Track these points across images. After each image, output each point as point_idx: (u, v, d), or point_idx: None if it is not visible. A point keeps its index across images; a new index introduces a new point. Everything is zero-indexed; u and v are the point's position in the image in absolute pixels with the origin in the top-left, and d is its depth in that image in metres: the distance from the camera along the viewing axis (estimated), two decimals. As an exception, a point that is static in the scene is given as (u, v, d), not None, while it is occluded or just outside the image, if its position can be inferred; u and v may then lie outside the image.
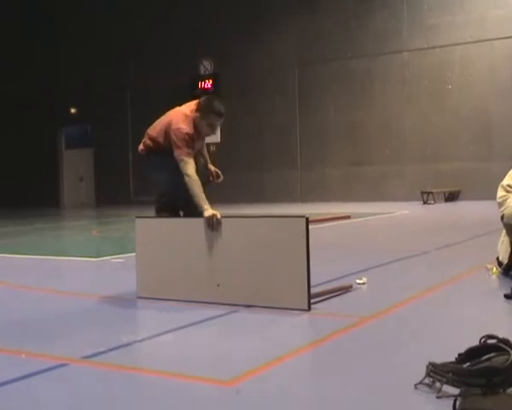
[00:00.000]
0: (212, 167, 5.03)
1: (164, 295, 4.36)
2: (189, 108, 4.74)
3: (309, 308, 3.86)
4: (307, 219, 3.91)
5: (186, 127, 4.58)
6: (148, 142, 4.81)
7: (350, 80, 18.85)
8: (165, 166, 4.62)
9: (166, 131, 4.65)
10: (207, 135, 4.84)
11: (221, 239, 4.21)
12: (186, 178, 4.44)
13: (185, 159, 4.48)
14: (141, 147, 4.88)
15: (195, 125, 4.66)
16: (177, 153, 4.51)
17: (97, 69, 22.80)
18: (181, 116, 4.66)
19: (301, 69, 19.65)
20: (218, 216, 4.22)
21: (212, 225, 4.21)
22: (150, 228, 4.62)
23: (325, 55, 19.13)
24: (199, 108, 4.68)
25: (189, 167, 4.47)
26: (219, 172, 5.04)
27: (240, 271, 4.12)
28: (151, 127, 4.88)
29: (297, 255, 3.89)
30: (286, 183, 19.74)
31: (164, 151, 4.65)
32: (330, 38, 19.02)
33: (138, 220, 4.64)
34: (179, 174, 4.49)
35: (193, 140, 4.62)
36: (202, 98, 4.81)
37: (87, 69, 23.04)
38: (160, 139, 4.70)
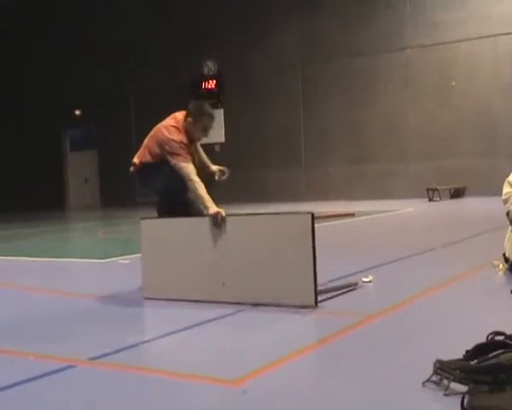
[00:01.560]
0: (214, 167, 5.09)
1: (170, 296, 4.36)
2: (174, 119, 4.83)
3: (316, 305, 3.85)
4: (313, 215, 3.91)
5: (179, 137, 4.67)
6: (142, 156, 4.85)
7: (353, 78, 18.81)
8: (161, 173, 4.68)
9: (161, 145, 4.71)
10: (200, 139, 4.93)
11: (226, 238, 4.21)
12: (189, 183, 4.52)
13: (184, 164, 4.57)
14: (135, 160, 4.90)
15: (187, 133, 4.76)
16: (175, 161, 4.59)
17: (98, 70, 22.81)
18: (170, 128, 4.74)
19: (304, 68, 19.62)
20: (223, 213, 4.25)
21: (217, 222, 4.23)
22: (155, 229, 4.63)
23: (328, 53, 19.09)
24: (190, 114, 4.78)
25: (191, 171, 4.55)
26: (223, 168, 5.09)
27: (245, 269, 4.12)
28: (140, 150, 4.89)
29: (303, 252, 3.89)
30: (290, 181, 19.72)
31: (160, 160, 4.69)
32: (333, 36, 18.98)
33: (143, 222, 4.65)
34: (174, 179, 4.56)
35: (188, 147, 4.72)
36: (190, 105, 4.89)
37: (87, 70, 23.04)
38: (157, 151, 4.73)
